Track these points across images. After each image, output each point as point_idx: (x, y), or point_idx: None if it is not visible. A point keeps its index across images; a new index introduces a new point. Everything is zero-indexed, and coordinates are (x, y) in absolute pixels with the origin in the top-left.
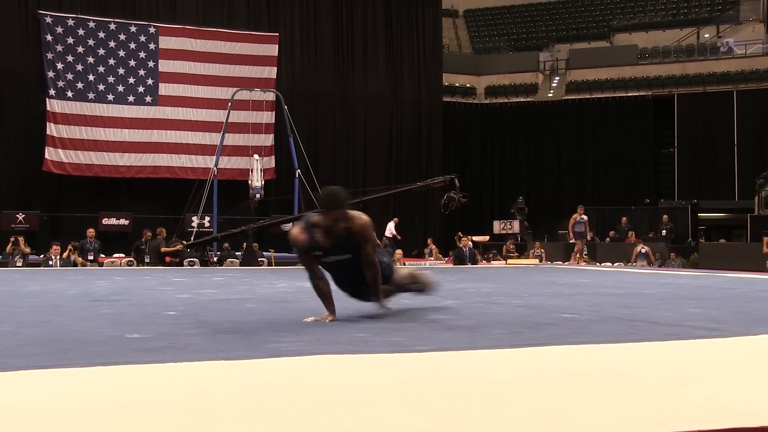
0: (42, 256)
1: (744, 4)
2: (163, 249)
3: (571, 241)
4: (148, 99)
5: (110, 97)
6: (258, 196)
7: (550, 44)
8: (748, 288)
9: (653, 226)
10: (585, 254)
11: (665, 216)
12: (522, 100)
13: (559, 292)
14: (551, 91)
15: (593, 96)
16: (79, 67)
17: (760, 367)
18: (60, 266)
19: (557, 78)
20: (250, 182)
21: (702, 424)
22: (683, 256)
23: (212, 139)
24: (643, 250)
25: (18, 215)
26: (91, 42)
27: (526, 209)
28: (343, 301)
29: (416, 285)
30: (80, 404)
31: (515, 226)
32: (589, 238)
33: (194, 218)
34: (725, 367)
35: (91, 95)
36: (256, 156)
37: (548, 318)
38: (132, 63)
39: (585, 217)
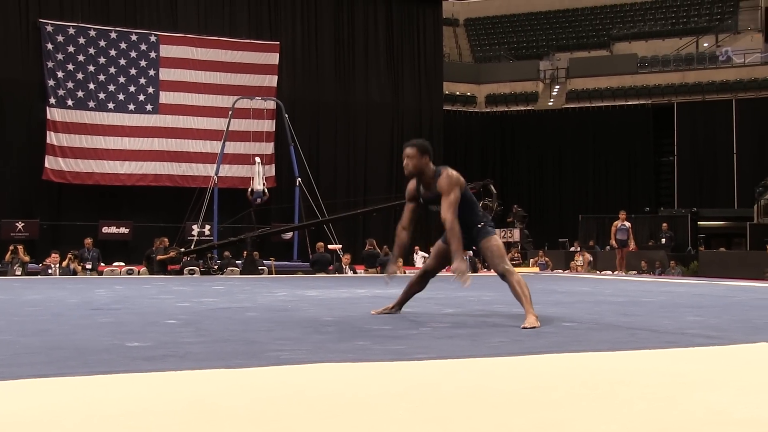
0: (41, 264)
1: (743, 13)
2: (159, 257)
3: (610, 248)
4: (149, 107)
5: (111, 105)
6: (259, 200)
7: (550, 53)
8: (747, 296)
9: (653, 234)
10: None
11: (665, 224)
12: (522, 108)
13: (559, 301)
14: (551, 100)
15: (593, 104)
16: (80, 76)
17: (760, 375)
18: (59, 275)
19: (557, 87)
20: (251, 187)
21: None
22: (683, 264)
23: (213, 147)
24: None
25: (17, 224)
26: (91, 50)
27: (527, 216)
28: (345, 309)
29: None
30: (81, 413)
31: (516, 234)
32: (631, 247)
33: (194, 226)
34: (725, 375)
35: (91, 104)
36: (258, 159)
37: (548, 326)
38: (133, 71)
39: (628, 224)
